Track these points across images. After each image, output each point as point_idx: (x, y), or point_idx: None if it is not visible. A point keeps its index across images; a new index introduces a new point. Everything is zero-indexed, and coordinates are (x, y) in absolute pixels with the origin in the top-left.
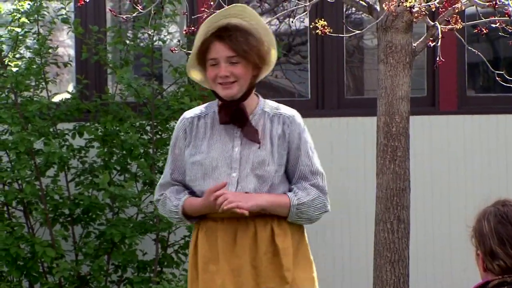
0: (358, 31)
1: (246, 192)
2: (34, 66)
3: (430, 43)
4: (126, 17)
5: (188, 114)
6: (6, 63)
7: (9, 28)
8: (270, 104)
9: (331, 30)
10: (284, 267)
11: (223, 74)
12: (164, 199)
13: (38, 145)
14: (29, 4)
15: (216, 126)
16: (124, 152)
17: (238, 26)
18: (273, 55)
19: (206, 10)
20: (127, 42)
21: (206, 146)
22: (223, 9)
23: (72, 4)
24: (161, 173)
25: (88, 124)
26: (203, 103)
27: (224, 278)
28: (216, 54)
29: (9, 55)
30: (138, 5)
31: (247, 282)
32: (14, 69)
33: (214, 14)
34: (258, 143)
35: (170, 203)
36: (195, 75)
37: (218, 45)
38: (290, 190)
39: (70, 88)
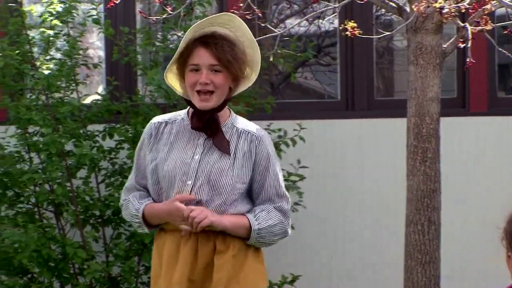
0: (387, 33)
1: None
2: (65, 68)
3: (460, 44)
4: (155, 18)
5: (156, 119)
6: (37, 65)
7: (40, 29)
8: (241, 121)
9: (361, 32)
10: (222, 281)
11: (204, 81)
12: (127, 203)
13: (69, 146)
14: (61, 7)
15: (181, 133)
16: None
17: (224, 35)
18: (255, 70)
19: (235, 11)
20: (157, 43)
21: (166, 153)
22: (210, 16)
23: (102, 5)
24: None
25: (118, 125)
26: (233, 105)
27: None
28: (199, 60)
29: (40, 57)
30: (168, 6)
31: None
32: (46, 71)
33: (201, 21)
34: (228, 154)
35: (132, 207)
36: (171, 79)
37: (202, 52)
38: (251, 211)
39: (100, 89)
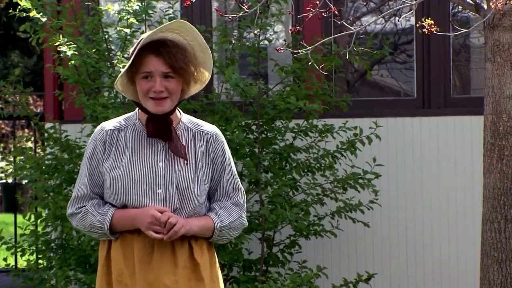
0: (464, 30)
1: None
2: None
3: None
4: (231, 16)
5: (107, 126)
6: (115, 64)
7: (117, 28)
8: (191, 119)
9: (438, 29)
10: (204, 281)
11: (159, 89)
12: (85, 213)
13: None
14: (138, 5)
15: (137, 139)
16: (230, 151)
17: (175, 42)
18: (206, 73)
19: (311, 9)
20: (233, 41)
21: (128, 160)
22: (163, 24)
23: (178, 4)
24: (266, 172)
25: None
26: (309, 103)
27: None
28: (151, 67)
29: (118, 56)
30: (244, 4)
31: None
32: (122, 70)
33: (152, 31)
34: (185, 160)
35: (93, 218)
36: (120, 85)
37: (154, 60)
38: (210, 209)
39: None
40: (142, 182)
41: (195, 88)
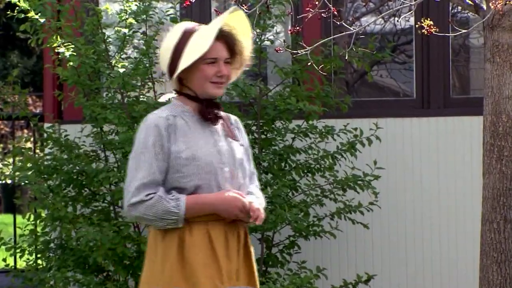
0: (464, 30)
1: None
2: (141, 67)
3: None
4: None
5: (161, 113)
6: (113, 64)
7: (116, 28)
8: None
9: (437, 30)
10: (255, 268)
11: (225, 73)
12: (158, 199)
13: None
14: (136, 5)
15: (191, 124)
16: None
17: (232, 28)
18: (247, 60)
19: (311, 9)
20: None
21: (193, 143)
22: (225, 12)
23: (178, 4)
24: (266, 173)
25: None
26: (310, 104)
27: (223, 281)
28: (217, 54)
29: (116, 56)
30: (244, 5)
31: (235, 285)
32: (121, 70)
33: (217, 18)
34: (237, 140)
35: (168, 204)
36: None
37: (219, 46)
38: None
39: None
40: (212, 162)
41: (237, 74)
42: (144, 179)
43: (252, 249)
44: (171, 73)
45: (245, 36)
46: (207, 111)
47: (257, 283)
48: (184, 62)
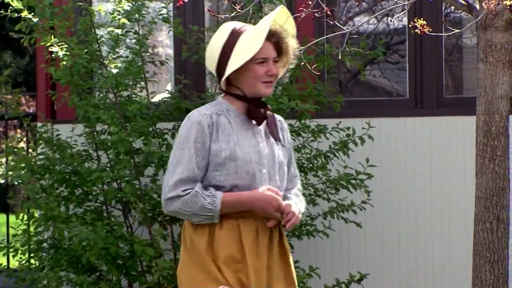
0: (457, 30)
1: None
2: (133, 66)
3: None
4: (224, 17)
5: (205, 111)
6: (106, 64)
7: (109, 29)
8: None
9: (430, 29)
10: (291, 267)
11: (275, 72)
12: (195, 195)
13: (137, 144)
14: (129, 5)
15: (234, 123)
16: None
17: (280, 28)
18: (291, 59)
19: (304, 9)
20: None
21: (235, 142)
22: (272, 12)
23: (171, 4)
24: None
25: None
26: (302, 103)
27: (248, 277)
28: (266, 53)
29: (109, 56)
30: (237, 5)
31: (264, 283)
32: (114, 70)
33: (265, 18)
34: (279, 141)
35: (204, 200)
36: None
37: (268, 46)
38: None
39: (169, 88)
40: (251, 163)
41: (282, 72)
42: (182, 174)
43: (288, 248)
44: (219, 73)
45: (290, 34)
46: (255, 111)
47: (295, 281)
48: (235, 63)
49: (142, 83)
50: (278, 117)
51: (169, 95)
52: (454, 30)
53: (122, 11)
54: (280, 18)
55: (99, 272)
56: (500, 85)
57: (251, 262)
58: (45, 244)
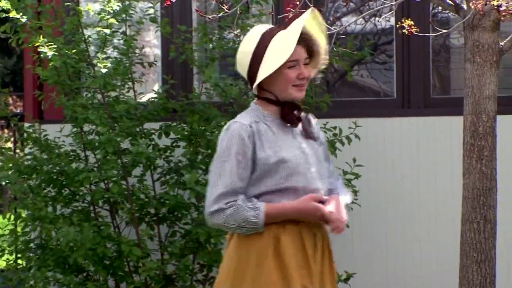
0: (444, 30)
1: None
2: (121, 67)
3: None
4: (212, 17)
5: (243, 120)
6: (94, 64)
7: (97, 29)
8: None
9: (418, 30)
10: (334, 267)
11: (306, 75)
12: (238, 208)
13: (125, 144)
14: (118, 6)
15: (273, 128)
16: (210, 151)
17: (311, 30)
18: (323, 58)
19: (292, 9)
20: (213, 40)
21: (281, 146)
22: (302, 15)
23: (158, 4)
24: None
25: (174, 123)
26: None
27: (313, 283)
28: (298, 56)
29: (97, 56)
30: (224, 5)
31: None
32: (102, 70)
33: (295, 22)
34: (316, 141)
35: (247, 213)
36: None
37: (298, 48)
38: (332, 191)
39: (156, 88)
40: (299, 164)
41: (314, 73)
42: (224, 188)
43: (331, 251)
44: (251, 78)
45: (321, 36)
46: (290, 114)
47: (336, 286)
48: (267, 69)
49: (130, 83)
50: (309, 115)
51: (156, 95)
52: (441, 31)
53: (111, 11)
54: (310, 20)
55: (86, 272)
56: (487, 85)
57: (312, 266)
58: (32, 244)
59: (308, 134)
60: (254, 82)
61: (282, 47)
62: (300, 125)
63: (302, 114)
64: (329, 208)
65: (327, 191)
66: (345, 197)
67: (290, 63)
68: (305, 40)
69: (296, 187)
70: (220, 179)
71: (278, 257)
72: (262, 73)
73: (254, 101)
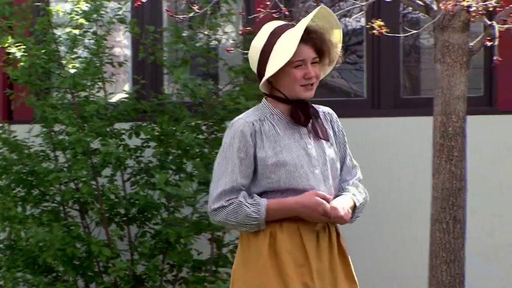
0: (414, 31)
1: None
2: (91, 67)
3: (487, 42)
4: (182, 17)
5: (247, 118)
6: (64, 64)
7: (67, 29)
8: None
9: (388, 30)
10: (351, 265)
11: (313, 74)
12: (239, 205)
13: (95, 144)
14: (87, 6)
15: (280, 127)
16: (180, 151)
17: (314, 27)
18: (337, 56)
19: (262, 10)
20: (184, 42)
21: (283, 146)
22: (310, 14)
23: (129, 4)
24: None
25: (145, 124)
26: (258, 104)
27: (313, 280)
28: (304, 55)
29: (66, 56)
30: (194, 5)
31: (328, 285)
32: (72, 70)
33: (301, 21)
34: (327, 140)
35: (248, 209)
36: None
37: (304, 48)
38: (341, 189)
39: (127, 88)
40: (302, 166)
41: (328, 71)
42: (226, 185)
43: (345, 246)
44: (260, 75)
45: (332, 33)
46: (298, 113)
47: (355, 279)
48: (272, 68)
49: (100, 83)
50: (325, 109)
51: (126, 96)
52: (411, 31)
53: (80, 11)
54: (320, 17)
55: (55, 272)
56: (457, 85)
57: (314, 264)
58: (1, 245)
59: (317, 133)
60: (262, 79)
61: (286, 46)
62: (310, 125)
63: (315, 110)
64: (332, 204)
65: (332, 193)
66: (355, 197)
67: (297, 63)
68: (313, 39)
69: (295, 189)
70: (222, 177)
71: (274, 255)
72: (268, 72)
73: (265, 97)
